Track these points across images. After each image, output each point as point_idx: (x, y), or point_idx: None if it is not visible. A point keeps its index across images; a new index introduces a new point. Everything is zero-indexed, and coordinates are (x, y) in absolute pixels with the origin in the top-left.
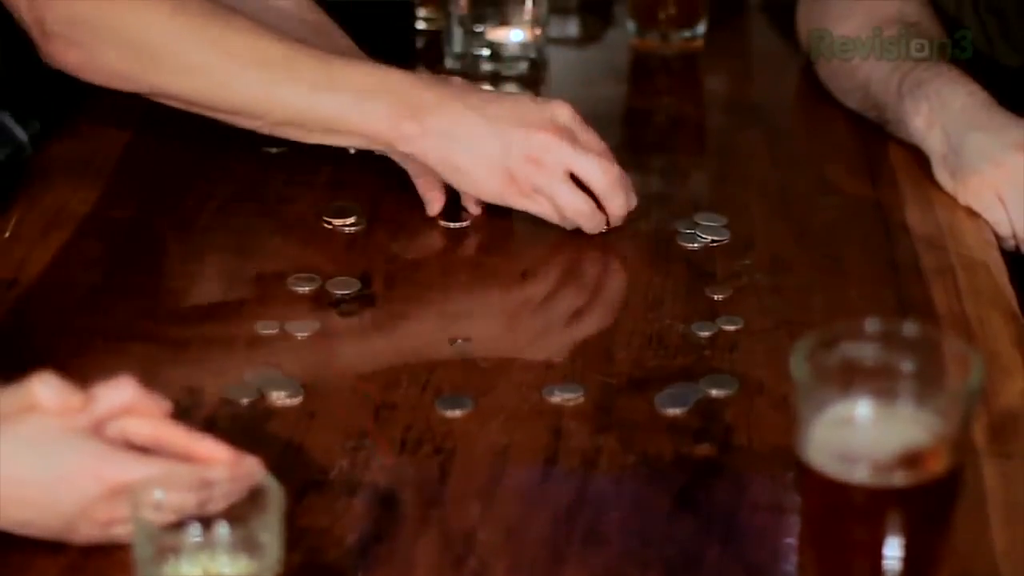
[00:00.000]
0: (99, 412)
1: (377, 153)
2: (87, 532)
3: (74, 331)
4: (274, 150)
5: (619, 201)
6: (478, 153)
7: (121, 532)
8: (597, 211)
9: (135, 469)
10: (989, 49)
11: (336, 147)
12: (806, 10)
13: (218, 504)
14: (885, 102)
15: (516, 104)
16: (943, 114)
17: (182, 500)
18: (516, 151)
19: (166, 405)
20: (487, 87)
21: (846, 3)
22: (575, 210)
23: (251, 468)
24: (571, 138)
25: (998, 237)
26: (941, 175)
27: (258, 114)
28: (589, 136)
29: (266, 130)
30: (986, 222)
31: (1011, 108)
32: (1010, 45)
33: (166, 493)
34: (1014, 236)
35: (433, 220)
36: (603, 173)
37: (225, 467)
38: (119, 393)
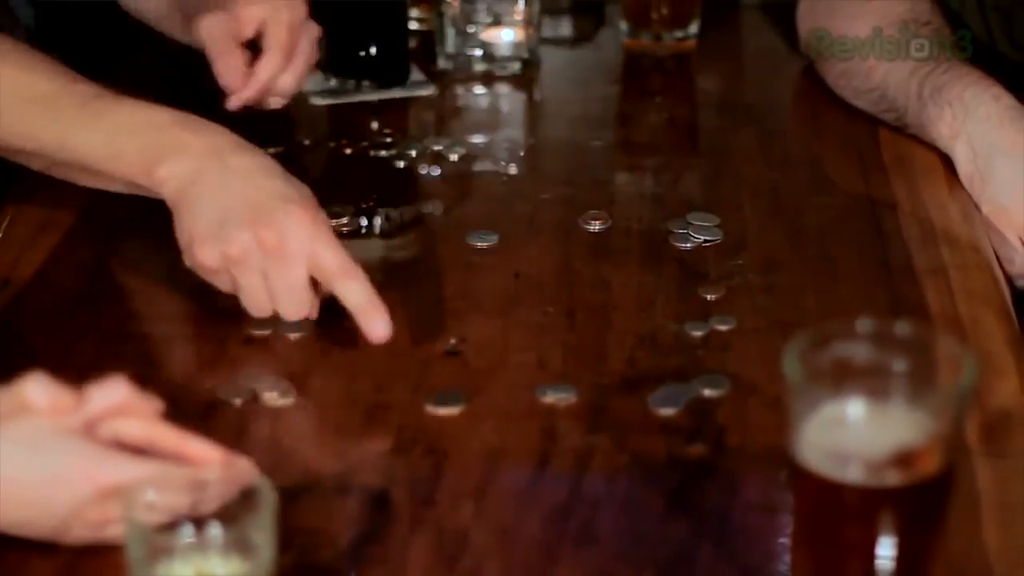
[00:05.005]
0: (91, 412)
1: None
2: (79, 533)
3: (66, 332)
4: (270, 150)
5: (357, 292)
6: (204, 217)
7: (114, 533)
8: (307, 299)
9: (127, 470)
10: (989, 41)
11: (329, 148)
12: (810, 8)
13: (210, 505)
14: (905, 106)
15: (269, 188)
16: (967, 122)
17: (174, 501)
18: (237, 233)
19: (158, 405)
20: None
21: (855, 3)
22: (282, 287)
23: (243, 469)
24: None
25: (1006, 274)
26: (967, 188)
27: (29, 151)
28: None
29: (51, 171)
30: (997, 254)
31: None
32: (1012, 43)
33: (158, 494)
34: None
35: (428, 221)
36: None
37: (217, 468)
38: (111, 393)
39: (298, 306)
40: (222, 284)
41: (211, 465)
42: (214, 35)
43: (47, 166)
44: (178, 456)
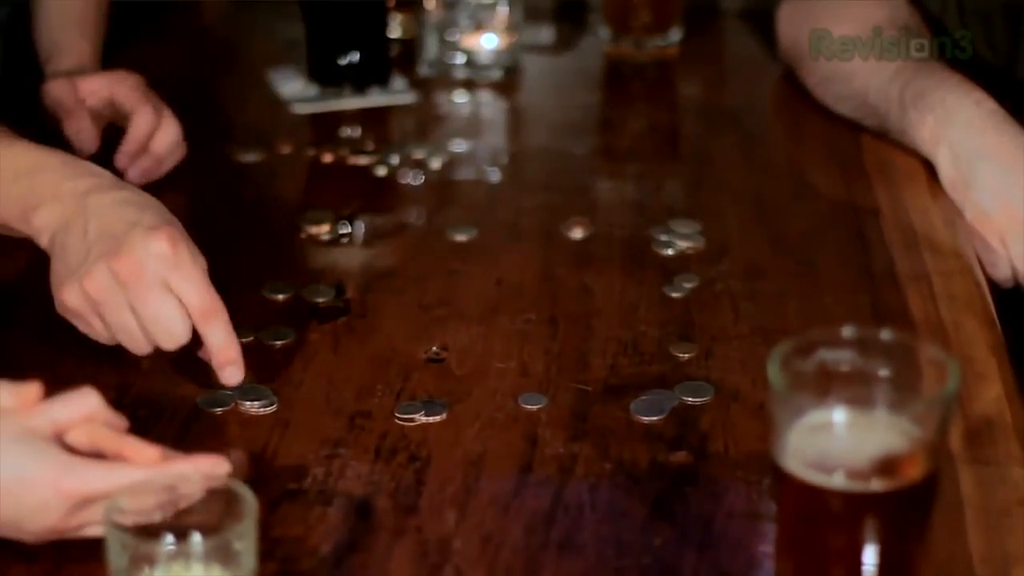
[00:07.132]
0: (61, 420)
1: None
2: (55, 536)
3: (50, 339)
4: (250, 158)
5: (216, 334)
6: (68, 260)
7: (91, 533)
8: (185, 330)
9: (95, 480)
10: (970, 47)
11: (309, 156)
12: (789, 15)
13: (182, 504)
14: (887, 111)
15: (130, 220)
16: (950, 128)
17: (143, 502)
18: (93, 268)
19: (124, 422)
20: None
21: (836, 7)
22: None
23: (213, 467)
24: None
25: (988, 278)
26: (949, 193)
27: None
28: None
29: None
30: (980, 259)
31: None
32: (992, 50)
33: (130, 503)
34: (1013, 278)
35: (408, 228)
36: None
37: (189, 475)
38: (81, 402)
39: (174, 336)
40: (98, 333)
41: (149, 465)
42: (60, 97)
43: None
44: (118, 458)
